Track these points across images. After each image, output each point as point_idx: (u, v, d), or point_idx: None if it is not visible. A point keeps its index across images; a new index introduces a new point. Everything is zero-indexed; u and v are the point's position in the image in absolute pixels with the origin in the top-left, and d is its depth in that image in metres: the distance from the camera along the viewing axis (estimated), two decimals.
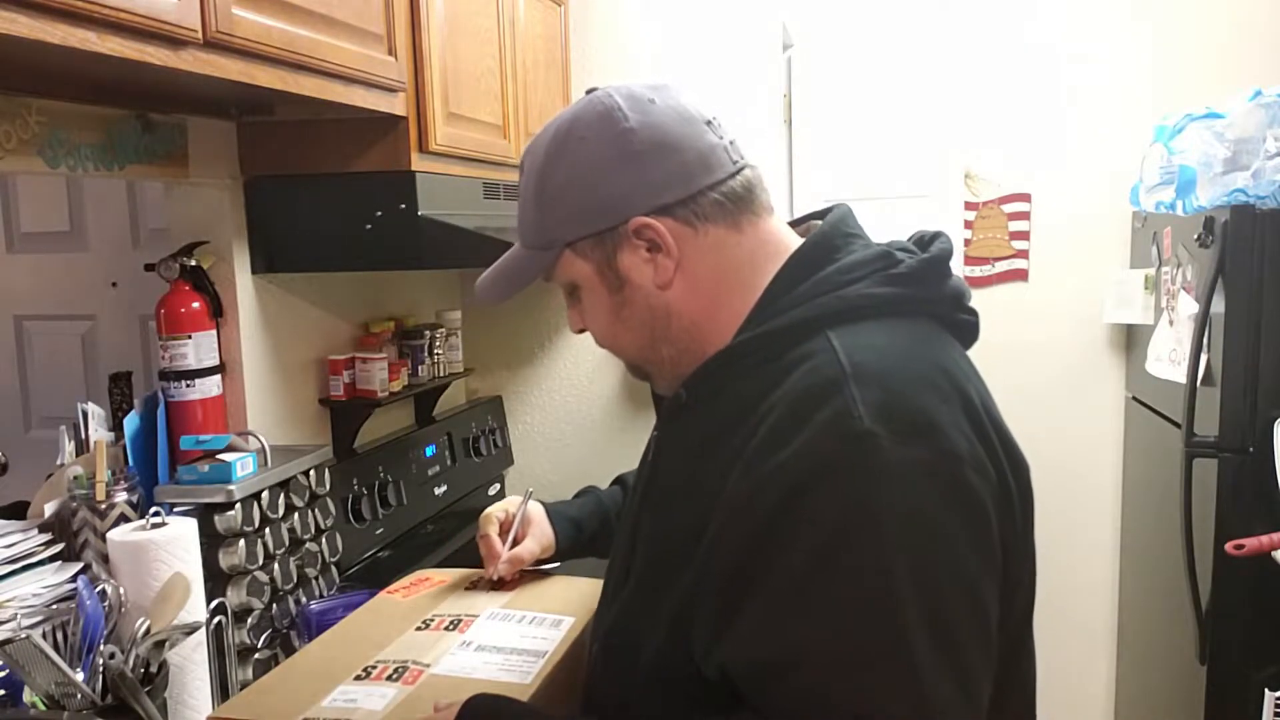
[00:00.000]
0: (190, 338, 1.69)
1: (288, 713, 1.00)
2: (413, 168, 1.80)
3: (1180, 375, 1.94)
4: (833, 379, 0.78)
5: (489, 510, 1.30)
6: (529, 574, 1.31)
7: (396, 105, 1.75)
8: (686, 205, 0.89)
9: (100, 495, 1.45)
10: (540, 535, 1.28)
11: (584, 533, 1.31)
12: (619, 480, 1.36)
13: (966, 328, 0.93)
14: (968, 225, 2.55)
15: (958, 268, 1.03)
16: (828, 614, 0.73)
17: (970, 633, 0.76)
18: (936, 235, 0.93)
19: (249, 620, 1.56)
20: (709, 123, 0.93)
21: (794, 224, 0.99)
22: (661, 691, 0.87)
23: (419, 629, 1.19)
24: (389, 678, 1.06)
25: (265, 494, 1.63)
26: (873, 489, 0.74)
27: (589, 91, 0.95)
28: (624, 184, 0.89)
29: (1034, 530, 0.89)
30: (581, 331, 1.00)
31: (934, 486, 0.75)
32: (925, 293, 0.88)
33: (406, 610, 1.25)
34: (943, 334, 0.89)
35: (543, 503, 1.34)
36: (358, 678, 1.07)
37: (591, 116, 0.91)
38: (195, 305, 1.71)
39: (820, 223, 0.95)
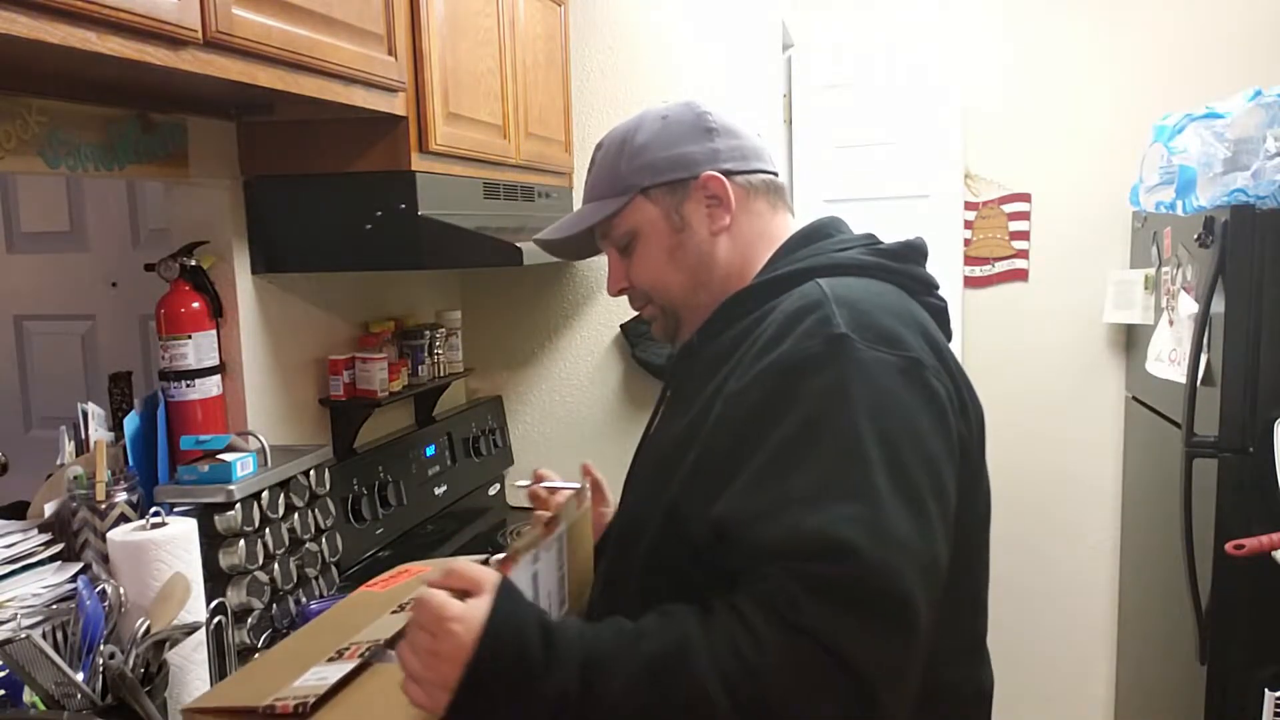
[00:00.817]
0: (190, 338, 1.69)
1: (259, 696, 0.99)
2: (413, 168, 1.80)
3: (1180, 375, 1.94)
4: (816, 300, 0.95)
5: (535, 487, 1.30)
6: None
7: (396, 105, 1.75)
8: (744, 175, 1.11)
9: (100, 495, 1.45)
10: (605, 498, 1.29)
11: None
12: None
13: (936, 311, 1.07)
14: (968, 225, 2.55)
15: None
16: (810, 467, 0.85)
17: (930, 494, 0.86)
18: (915, 238, 1.11)
19: (249, 620, 1.56)
20: (758, 134, 1.17)
21: None
22: (656, 580, 0.96)
23: (394, 612, 1.19)
24: (361, 655, 1.06)
25: (265, 494, 1.63)
26: (848, 373, 0.88)
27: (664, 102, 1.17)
28: (698, 148, 1.10)
29: (986, 466, 1.04)
30: (620, 293, 1.16)
31: (900, 377, 0.90)
32: (902, 267, 1.06)
33: (384, 600, 1.25)
34: (913, 301, 1.04)
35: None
36: (330, 659, 1.07)
37: (674, 104, 1.15)
38: (195, 305, 1.71)
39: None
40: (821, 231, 1.12)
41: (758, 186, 1.12)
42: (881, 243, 1.09)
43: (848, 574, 0.79)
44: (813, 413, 0.87)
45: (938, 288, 1.10)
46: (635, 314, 2.99)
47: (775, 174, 1.15)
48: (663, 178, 1.10)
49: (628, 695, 0.82)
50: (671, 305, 1.14)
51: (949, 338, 1.07)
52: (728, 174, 1.10)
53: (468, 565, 0.90)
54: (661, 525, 0.97)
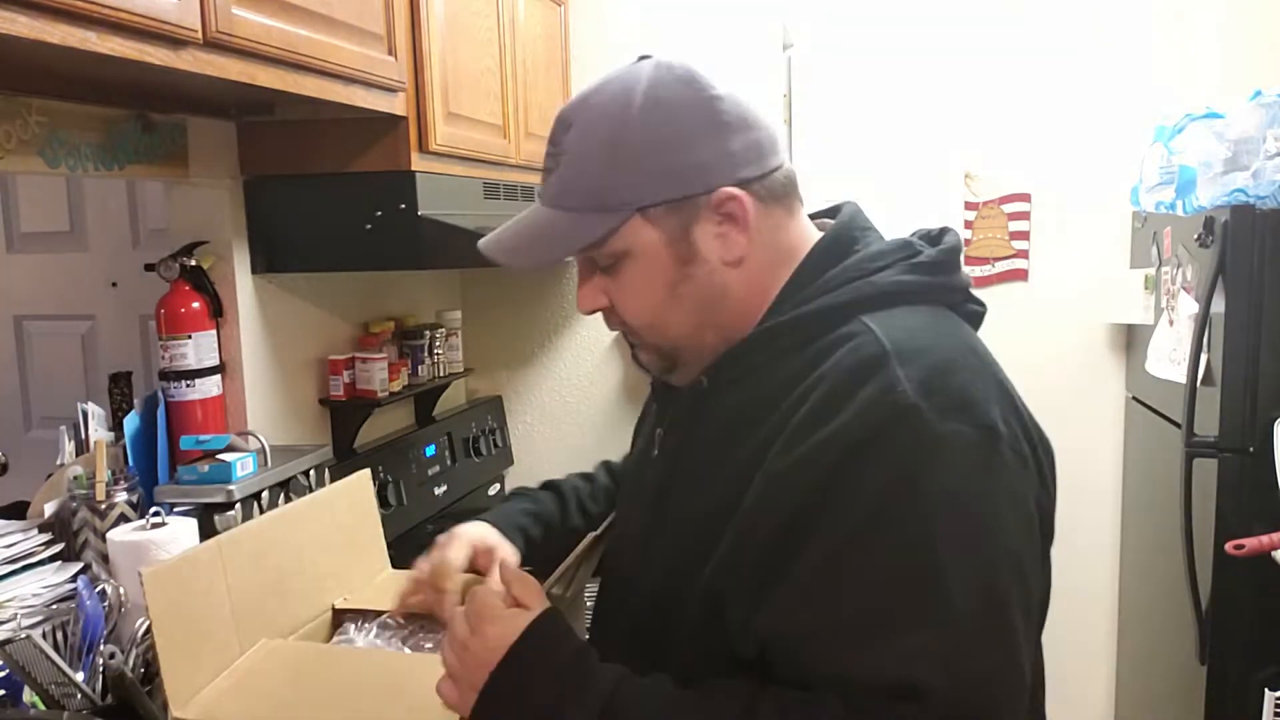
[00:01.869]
0: (190, 338, 1.69)
1: None
2: (413, 168, 1.80)
3: (1180, 375, 1.94)
4: (876, 356, 0.79)
5: (439, 565, 1.12)
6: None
7: (396, 105, 1.75)
8: (760, 182, 0.88)
9: (100, 495, 1.45)
10: (509, 556, 1.14)
11: (532, 541, 1.19)
12: (550, 485, 1.27)
13: (975, 317, 0.95)
14: (968, 225, 2.55)
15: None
16: (870, 582, 0.74)
17: (1016, 602, 0.76)
18: (945, 230, 0.95)
19: None
20: (769, 105, 0.96)
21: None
22: (701, 650, 0.86)
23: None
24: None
25: (265, 494, 1.63)
26: (918, 461, 0.75)
27: (640, 59, 0.91)
28: (709, 152, 0.86)
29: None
30: (592, 312, 0.94)
31: (976, 460, 0.76)
32: (944, 281, 0.90)
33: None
34: (959, 319, 0.92)
35: (482, 518, 1.21)
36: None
37: (671, 79, 0.87)
38: (195, 305, 1.71)
39: (831, 221, 0.95)
40: (847, 238, 0.92)
41: (776, 191, 0.89)
42: (918, 251, 0.91)
43: (924, 716, 0.71)
44: (874, 511, 0.74)
45: (972, 288, 0.95)
46: None
47: (788, 158, 0.94)
48: (666, 195, 0.86)
49: None
50: (669, 345, 0.92)
51: (980, 328, 0.96)
52: (744, 183, 0.87)
53: (531, 579, 0.91)
54: (700, 610, 0.85)
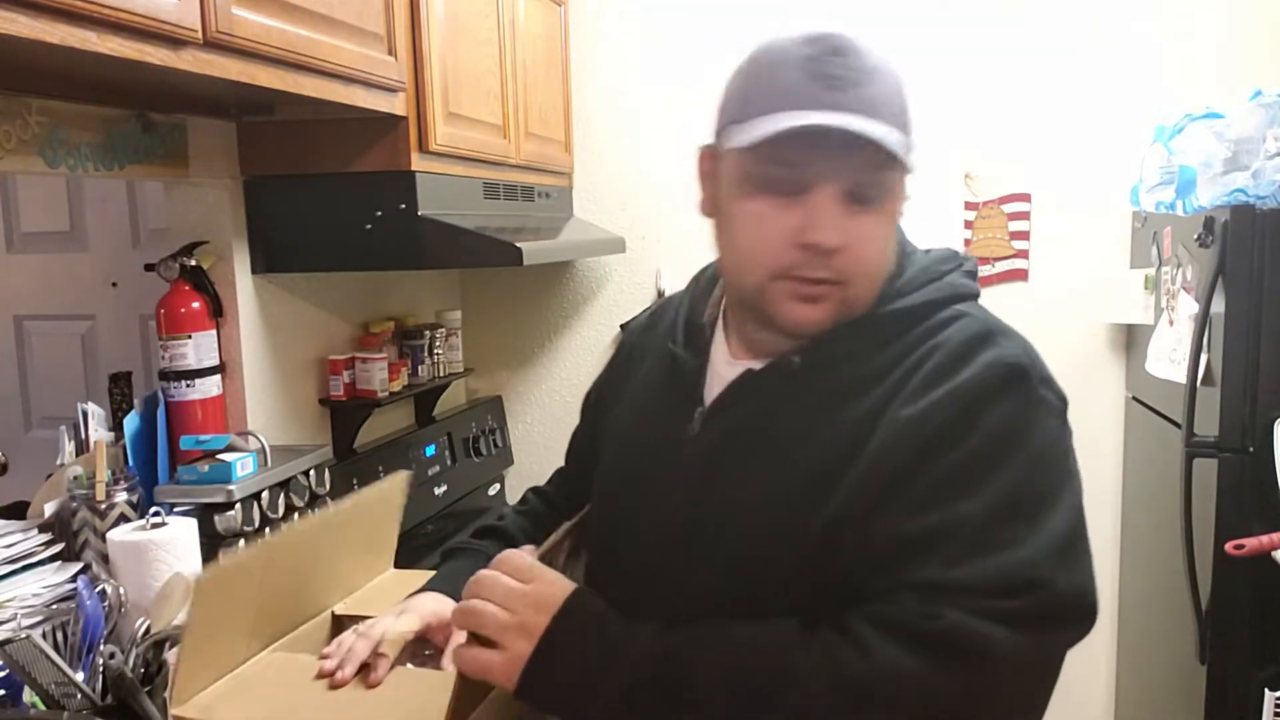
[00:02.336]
0: (190, 338, 1.69)
1: None
2: (413, 168, 1.80)
3: (1180, 375, 1.94)
4: (984, 332, 0.91)
5: (391, 636, 1.09)
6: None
7: (396, 105, 1.75)
8: None
9: (100, 495, 1.45)
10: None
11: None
12: (490, 531, 1.24)
13: None
14: (968, 225, 2.55)
15: (970, 260, 1.08)
16: (989, 497, 0.83)
17: (1083, 541, 0.86)
18: (933, 248, 1.03)
19: None
20: None
21: None
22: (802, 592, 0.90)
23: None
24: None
25: (265, 494, 1.63)
26: (1028, 413, 0.87)
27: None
28: None
29: None
30: (836, 249, 0.88)
31: (1058, 425, 0.89)
32: (978, 286, 1.01)
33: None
34: None
35: (432, 586, 1.17)
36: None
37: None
38: (195, 305, 1.71)
39: None
40: (907, 242, 1.00)
41: None
42: (960, 256, 1.01)
43: (1033, 607, 0.80)
44: (993, 445, 0.85)
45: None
46: (635, 314, 2.99)
47: None
48: (910, 159, 0.90)
49: (717, 662, 0.83)
50: (857, 296, 0.92)
51: None
52: None
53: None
54: (821, 540, 0.88)
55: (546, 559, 0.99)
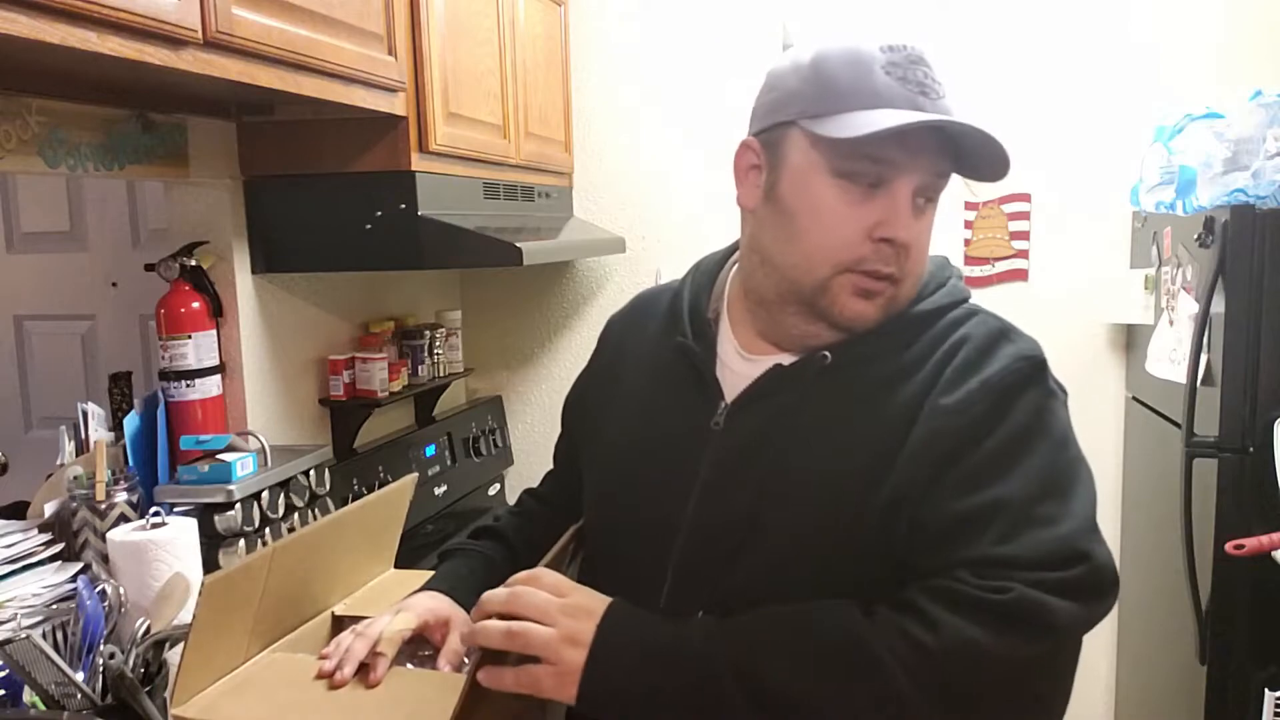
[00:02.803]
0: (190, 338, 1.69)
1: None
2: (413, 168, 1.80)
3: (1180, 375, 1.94)
4: (1000, 329, 0.98)
5: (389, 635, 1.08)
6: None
7: (396, 105, 1.75)
8: None
9: (100, 495, 1.45)
10: (462, 625, 1.11)
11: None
12: (487, 532, 1.24)
13: None
14: (968, 225, 2.55)
15: (958, 267, 1.12)
16: (1031, 476, 0.90)
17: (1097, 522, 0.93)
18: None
19: None
20: None
21: None
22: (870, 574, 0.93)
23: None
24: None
25: (265, 494, 1.63)
26: (1047, 405, 0.94)
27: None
28: None
29: None
30: (902, 246, 0.94)
31: (1066, 416, 0.97)
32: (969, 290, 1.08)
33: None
34: None
35: (431, 586, 1.16)
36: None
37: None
38: (195, 305, 1.71)
39: None
40: None
41: None
42: (952, 266, 1.08)
43: (1081, 578, 0.86)
44: (1018, 433, 0.92)
45: None
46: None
47: None
48: None
49: (788, 648, 0.86)
50: (904, 294, 0.98)
51: None
52: None
53: None
54: (879, 522, 0.91)
55: (552, 569, 0.99)
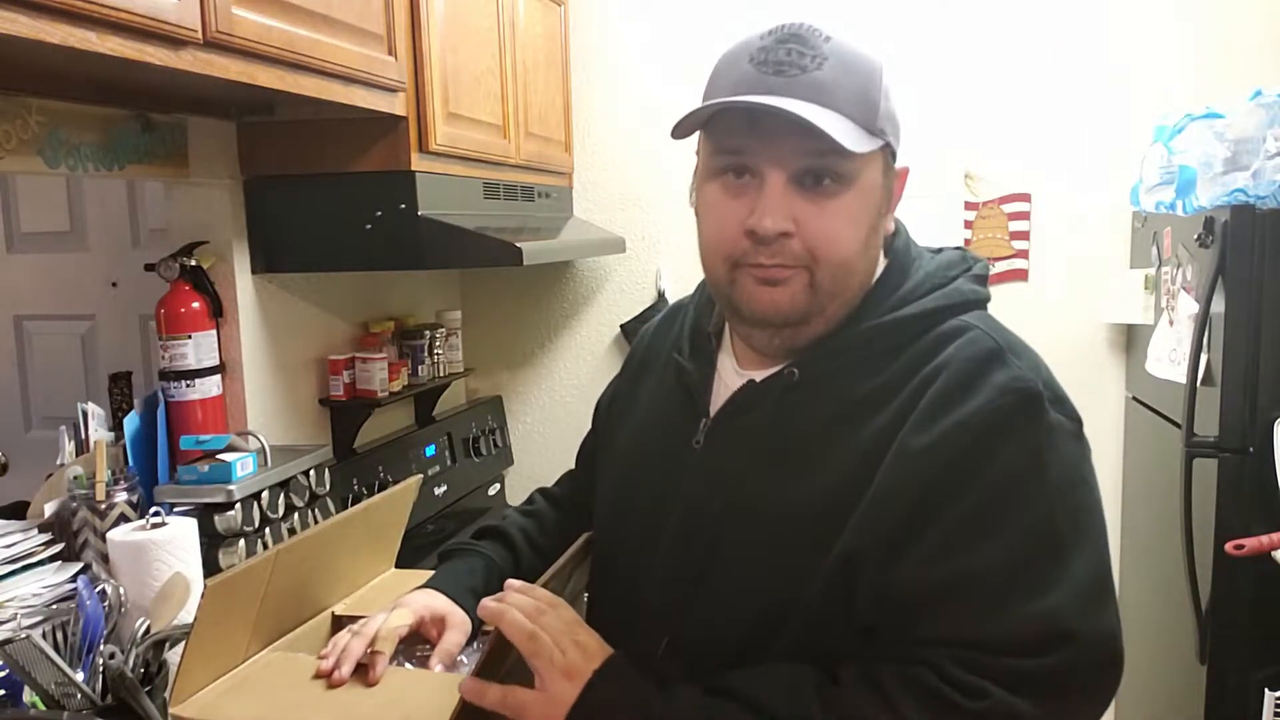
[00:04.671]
0: (190, 338, 1.69)
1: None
2: (413, 168, 1.80)
3: (1180, 375, 1.94)
4: (994, 349, 0.86)
5: (385, 633, 1.08)
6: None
7: (396, 105, 1.75)
8: None
9: (100, 495, 1.45)
10: (459, 624, 1.11)
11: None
12: (490, 532, 1.22)
13: None
14: (968, 225, 2.55)
15: (982, 263, 1.05)
16: (1006, 545, 0.80)
17: (1110, 574, 0.85)
18: (944, 247, 1.01)
19: None
20: None
21: None
22: (812, 635, 0.88)
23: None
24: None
25: (265, 494, 1.63)
26: (1041, 445, 0.83)
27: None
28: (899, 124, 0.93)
29: None
30: (777, 234, 0.86)
31: (1075, 449, 0.86)
32: (987, 293, 0.98)
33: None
34: None
35: (431, 584, 1.16)
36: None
37: (863, 45, 0.92)
38: (195, 305, 1.71)
39: None
40: (912, 243, 0.98)
41: None
42: (969, 260, 0.98)
43: (1065, 662, 0.79)
44: (1007, 485, 0.81)
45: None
46: (635, 314, 2.96)
47: None
48: (897, 143, 0.91)
49: None
50: (834, 288, 0.89)
51: None
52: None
53: None
54: (833, 575, 0.85)
55: (556, 583, 1.00)
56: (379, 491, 2.10)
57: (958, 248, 1.00)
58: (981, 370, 0.85)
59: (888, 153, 0.90)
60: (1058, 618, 0.78)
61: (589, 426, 1.25)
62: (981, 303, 0.95)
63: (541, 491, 1.29)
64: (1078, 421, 0.87)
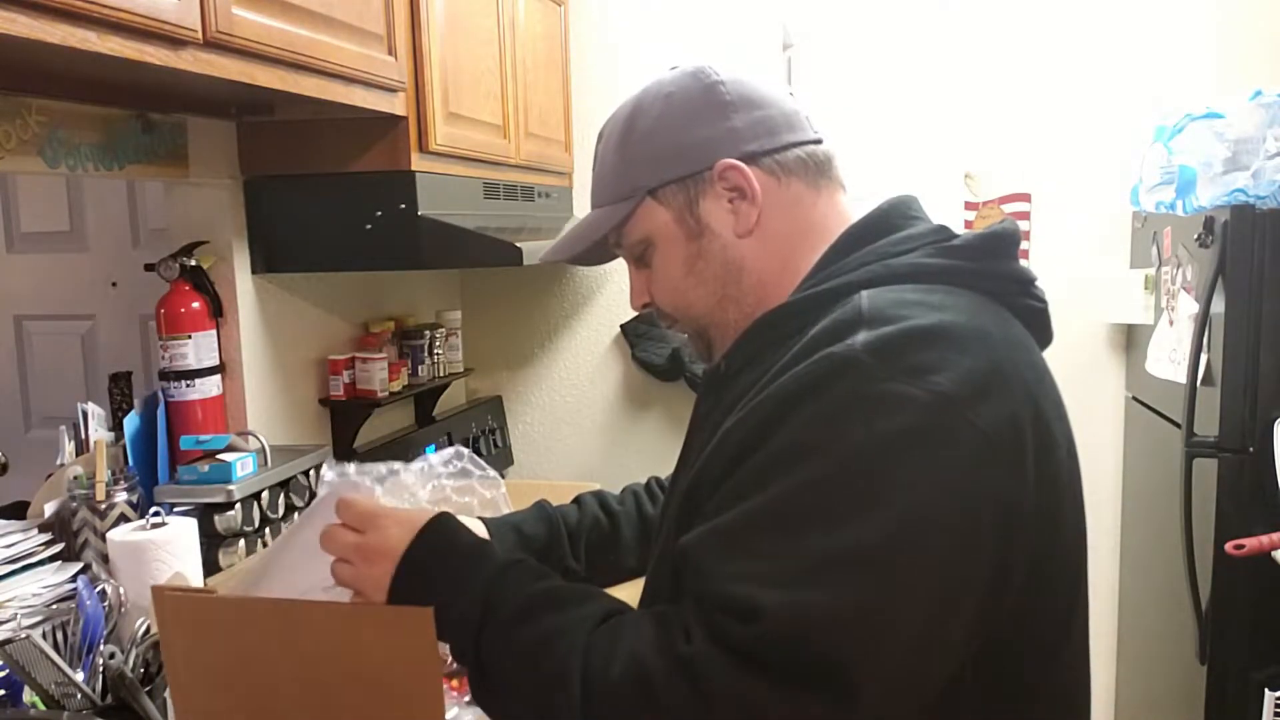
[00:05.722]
0: (190, 338, 1.69)
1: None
2: (413, 168, 1.80)
3: (1180, 375, 1.94)
4: (848, 322, 0.79)
5: None
6: None
7: (396, 105, 1.75)
8: (771, 156, 0.91)
9: (100, 495, 1.45)
10: None
11: (527, 537, 1.14)
12: (578, 499, 1.23)
13: (1030, 312, 0.90)
14: (968, 225, 2.55)
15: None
16: (754, 508, 0.76)
17: (906, 570, 0.72)
18: (1003, 223, 0.92)
19: None
20: (791, 93, 0.96)
21: None
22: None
23: None
24: None
25: (265, 494, 1.63)
26: (848, 410, 0.74)
27: (672, 69, 0.97)
28: (711, 130, 0.91)
29: (1084, 542, 0.88)
30: (645, 307, 0.99)
31: (914, 424, 0.73)
32: (982, 266, 0.86)
33: None
34: (1003, 311, 0.86)
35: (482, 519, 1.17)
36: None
37: (679, 75, 0.94)
38: (195, 305, 1.71)
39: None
40: (885, 223, 0.90)
41: (792, 166, 0.91)
42: (953, 232, 0.89)
43: (751, 634, 0.71)
44: (788, 448, 0.75)
45: (1034, 282, 0.91)
46: (635, 314, 2.97)
47: (819, 140, 0.94)
48: (672, 173, 0.91)
49: (510, 652, 0.80)
50: (698, 325, 0.96)
51: (1049, 341, 0.94)
52: (751, 157, 0.89)
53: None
54: (676, 562, 0.83)
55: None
56: None
57: (940, 226, 0.92)
58: (826, 340, 0.78)
59: (662, 189, 0.92)
60: (752, 585, 0.71)
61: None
62: (927, 274, 0.84)
63: (632, 489, 1.27)
64: (940, 396, 0.73)
